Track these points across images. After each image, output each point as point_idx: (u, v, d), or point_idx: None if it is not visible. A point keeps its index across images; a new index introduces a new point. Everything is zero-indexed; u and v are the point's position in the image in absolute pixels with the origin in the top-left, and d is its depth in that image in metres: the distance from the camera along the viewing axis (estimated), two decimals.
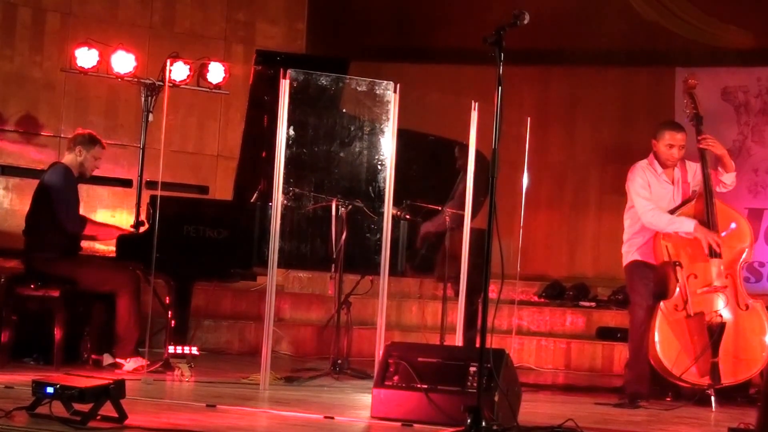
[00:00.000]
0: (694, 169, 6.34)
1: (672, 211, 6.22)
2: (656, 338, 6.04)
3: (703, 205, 6.13)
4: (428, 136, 7.09)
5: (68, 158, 6.71)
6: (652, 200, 6.21)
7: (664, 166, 6.28)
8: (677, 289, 6.06)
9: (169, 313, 6.49)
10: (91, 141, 6.70)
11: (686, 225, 6.09)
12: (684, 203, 6.26)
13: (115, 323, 6.43)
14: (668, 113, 9.22)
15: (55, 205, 6.50)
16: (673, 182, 6.30)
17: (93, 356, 6.56)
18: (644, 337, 6.07)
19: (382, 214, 6.15)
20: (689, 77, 6.37)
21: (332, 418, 4.82)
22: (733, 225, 6.22)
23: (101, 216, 8.61)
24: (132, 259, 6.43)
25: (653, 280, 6.15)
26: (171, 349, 6.20)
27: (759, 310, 6.08)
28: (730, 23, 9.53)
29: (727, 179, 6.27)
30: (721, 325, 5.96)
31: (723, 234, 6.13)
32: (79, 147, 6.66)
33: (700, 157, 6.21)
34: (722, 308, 6.01)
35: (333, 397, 5.73)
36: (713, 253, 6.04)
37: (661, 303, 6.07)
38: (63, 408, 4.22)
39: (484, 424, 4.24)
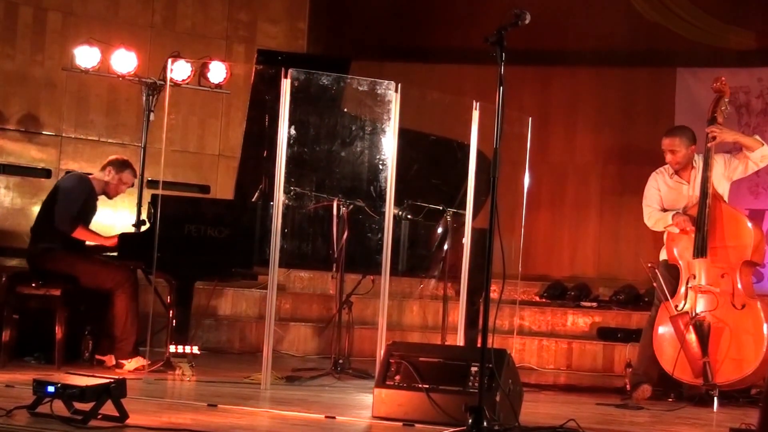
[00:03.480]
0: (720, 160, 6.35)
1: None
2: (654, 335, 6.17)
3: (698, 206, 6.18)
4: (429, 135, 7.09)
5: (97, 174, 6.82)
6: (654, 203, 6.40)
7: (674, 169, 6.41)
8: (680, 289, 6.14)
9: (170, 312, 6.48)
10: (123, 164, 6.83)
11: (667, 218, 6.28)
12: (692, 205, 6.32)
13: (113, 323, 6.43)
14: (669, 114, 9.25)
15: (57, 203, 6.55)
16: (688, 181, 6.38)
17: (97, 356, 6.56)
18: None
19: (383, 214, 6.15)
20: (716, 80, 6.35)
21: (333, 417, 4.82)
22: (743, 230, 6.23)
23: (102, 215, 8.60)
24: (133, 258, 6.43)
25: (675, 279, 6.23)
26: (172, 348, 6.20)
27: (756, 310, 6.04)
28: (732, 24, 9.53)
29: (756, 156, 6.26)
30: (706, 325, 5.99)
31: (731, 238, 6.15)
32: (109, 167, 6.79)
33: (704, 159, 6.22)
34: (711, 308, 6.01)
35: (334, 397, 5.72)
36: (697, 253, 6.08)
37: (665, 301, 6.12)
38: (64, 407, 4.21)
39: (485, 424, 4.24)
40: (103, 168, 6.83)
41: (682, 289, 6.13)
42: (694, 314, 6.03)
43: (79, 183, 6.71)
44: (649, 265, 6.20)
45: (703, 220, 6.11)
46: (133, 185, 7.06)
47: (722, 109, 6.29)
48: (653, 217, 6.38)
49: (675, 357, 6.01)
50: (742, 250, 6.14)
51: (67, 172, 6.95)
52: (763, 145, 6.27)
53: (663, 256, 6.40)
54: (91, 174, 6.92)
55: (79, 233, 6.59)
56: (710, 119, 6.28)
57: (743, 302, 6.05)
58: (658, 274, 6.15)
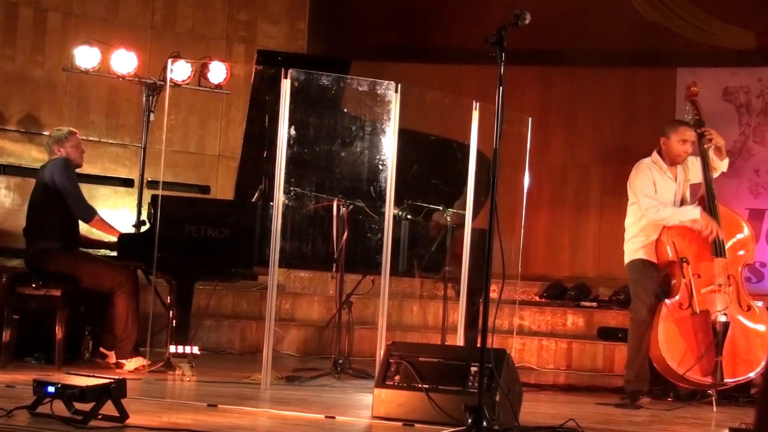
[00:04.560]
0: (692, 162, 6.35)
1: None
2: (660, 337, 6.01)
3: (705, 207, 6.14)
4: (429, 135, 7.09)
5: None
6: (656, 198, 6.21)
7: (672, 163, 6.29)
8: (682, 287, 6.06)
9: (171, 312, 6.49)
10: (61, 137, 6.67)
11: (691, 213, 6.10)
12: (682, 204, 6.28)
13: (114, 323, 6.44)
14: (669, 113, 9.25)
15: (66, 198, 6.49)
16: (676, 180, 6.31)
17: (101, 349, 6.57)
18: (645, 335, 6.08)
19: (383, 214, 6.15)
20: (691, 84, 6.38)
21: (333, 417, 4.82)
22: (744, 232, 6.24)
23: (103, 215, 8.59)
24: (133, 259, 6.43)
25: (656, 279, 6.16)
26: (172, 348, 6.20)
27: (761, 311, 6.08)
28: (732, 23, 9.53)
29: (724, 164, 6.33)
30: (726, 324, 5.97)
31: (732, 240, 6.16)
32: (55, 146, 6.64)
33: (702, 160, 6.21)
34: (726, 308, 6.01)
35: (334, 397, 5.73)
36: (717, 253, 6.05)
37: (666, 301, 6.06)
38: (64, 407, 4.22)
39: (485, 424, 4.24)
40: (52, 151, 6.64)
41: (682, 287, 6.08)
42: (717, 313, 5.99)
43: (68, 167, 6.58)
44: (683, 261, 6.12)
45: (716, 220, 6.10)
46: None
47: (702, 109, 6.31)
48: (665, 210, 6.13)
49: (689, 357, 5.93)
50: (747, 253, 6.18)
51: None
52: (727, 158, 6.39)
53: (639, 255, 6.25)
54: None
55: (96, 222, 6.60)
56: (697, 121, 6.27)
57: (748, 303, 6.08)
58: (689, 271, 6.06)
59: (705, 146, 6.21)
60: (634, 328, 6.19)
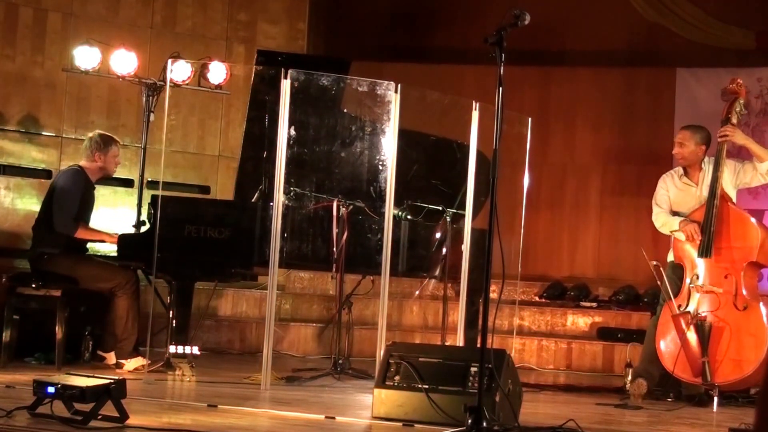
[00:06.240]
0: (733, 166, 6.37)
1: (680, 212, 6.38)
2: (656, 336, 6.19)
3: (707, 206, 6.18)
4: (429, 136, 7.09)
5: (86, 163, 6.74)
6: (663, 204, 6.43)
7: (686, 166, 6.42)
8: (683, 289, 6.18)
9: (171, 312, 6.49)
10: (105, 144, 6.72)
11: (674, 224, 6.29)
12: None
13: (114, 324, 6.44)
14: (669, 114, 9.27)
15: (54, 204, 6.52)
16: (697, 183, 6.39)
17: (99, 352, 6.58)
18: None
19: (383, 214, 6.15)
20: (731, 81, 6.35)
21: (333, 418, 4.82)
22: (748, 231, 6.19)
23: (103, 215, 8.61)
24: (133, 259, 6.43)
25: (681, 280, 6.27)
26: (172, 348, 6.20)
27: (758, 312, 6.02)
28: (732, 23, 9.53)
29: (764, 168, 6.25)
30: (706, 325, 5.99)
31: (734, 239, 6.15)
32: (97, 154, 6.68)
33: (715, 159, 6.23)
34: (712, 309, 6.02)
35: (334, 397, 5.73)
36: (701, 253, 6.10)
37: (665, 302, 6.15)
38: (64, 407, 4.22)
39: (485, 424, 4.24)
40: (89, 156, 6.69)
41: (685, 289, 6.15)
42: (695, 314, 6.03)
43: (74, 179, 6.61)
44: (654, 263, 6.18)
45: (710, 221, 6.10)
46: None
47: (737, 111, 6.27)
48: (660, 219, 6.41)
49: (675, 355, 6.02)
50: (748, 251, 6.13)
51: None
52: None
53: (671, 257, 6.43)
54: (80, 164, 6.78)
55: (81, 233, 6.57)
56: (724, 120, 6.28)
57: (745, 303, 6.04)
58: (663, 273, 6.15)
59: (718, 145, 6.23)
60: (651, 325, 6.39)
